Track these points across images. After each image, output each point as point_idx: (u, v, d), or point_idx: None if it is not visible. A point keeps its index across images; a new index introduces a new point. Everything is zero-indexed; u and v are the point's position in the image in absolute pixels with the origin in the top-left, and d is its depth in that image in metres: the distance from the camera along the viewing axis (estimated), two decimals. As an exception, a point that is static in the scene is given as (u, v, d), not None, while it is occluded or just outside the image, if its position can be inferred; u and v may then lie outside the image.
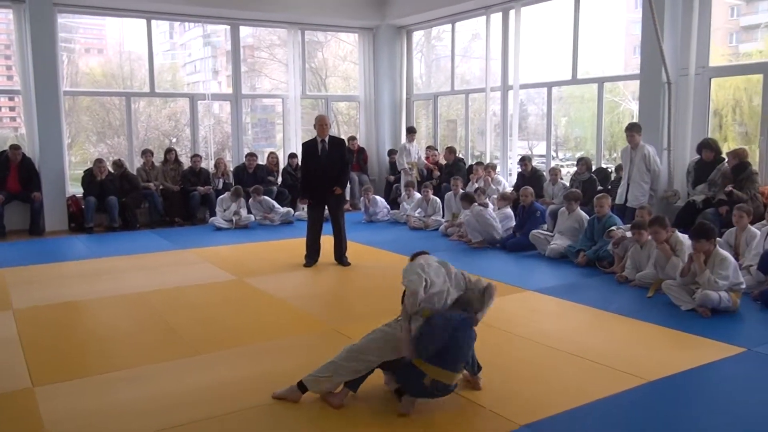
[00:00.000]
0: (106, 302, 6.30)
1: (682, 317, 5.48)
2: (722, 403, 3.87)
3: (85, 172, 10.96)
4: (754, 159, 8.15)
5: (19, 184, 10.49)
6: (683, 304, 5.68)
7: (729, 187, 7.50)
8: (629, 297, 6.25)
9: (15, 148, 10.50)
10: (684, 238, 6.30)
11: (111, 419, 3.71)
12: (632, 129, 8.28)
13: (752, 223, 6.82)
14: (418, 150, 12.38)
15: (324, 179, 7.56)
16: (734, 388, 4.11)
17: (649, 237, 6.49)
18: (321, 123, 7.55)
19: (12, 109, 13.64)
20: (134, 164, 11.82)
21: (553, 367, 4.37)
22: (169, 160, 11.70)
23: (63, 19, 11.58)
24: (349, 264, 7.76)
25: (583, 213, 8.17)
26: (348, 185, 9.64)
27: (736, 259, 6.04)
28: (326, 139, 7.57)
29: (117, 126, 13.44)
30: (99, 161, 10.88)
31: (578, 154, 11.17)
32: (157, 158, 11.84)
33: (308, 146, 7.67)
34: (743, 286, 5.66)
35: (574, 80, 10.57)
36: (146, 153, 11.63)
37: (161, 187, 11.45)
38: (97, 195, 10.65)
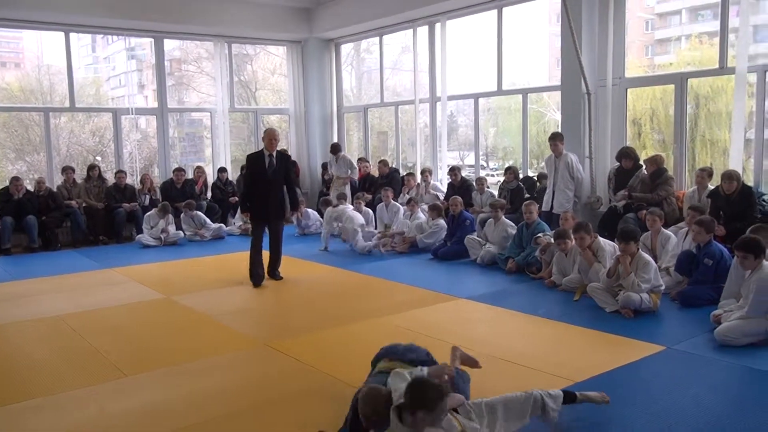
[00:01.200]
0: (24, 327, 5.99)
1: (606, 319, 5.66)
2: (645, 399, 4.00)
3: (0, 190, 10.44)
4: (670, 165, 8.54)
5: (-71, 204, 9.91)
6: (607, 306, 5.88)
7: (625, 194, 7.97)
8: (557, 301, 6.42)
9: None
10: (605, 243, 6.55)
11: (28, 450, 3.53)
12: (555, 138, 8.55)
13: (668, 225, 7.13)
14: (345, 165, 12.22)
15: (269, 194, 7.36)
16: (655, 385, 4.27)
17: (573, 244, 6.70)
18: (270, 137, 7.34)
19: None
20: (54, 181, 11.35)
21: (484, 372, 4.42)
22: (92, 177, 11.28)
23: (-26, 32, 11.09)
24: (281, 278, 7.63)
25: (508, 221, 8.38)
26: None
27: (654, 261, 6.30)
28: (274, 153, 7.39)
29: (37, 142, 12.92)
30: (15, 179, 10.39)
31: (507, 164, 11.43)
32: (82, 175, 11.41)
33: (254, 159, 7.45)
34: (662, 287, 5.90)
35: (500, 91, 10.83)
36: (67, 170, 11.18)
37: (84, 204, 11.03)
38: (14, 214, 10.15)
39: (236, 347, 5.30)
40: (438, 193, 10.87)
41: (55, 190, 10.95)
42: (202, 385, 4.43)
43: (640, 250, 5.92)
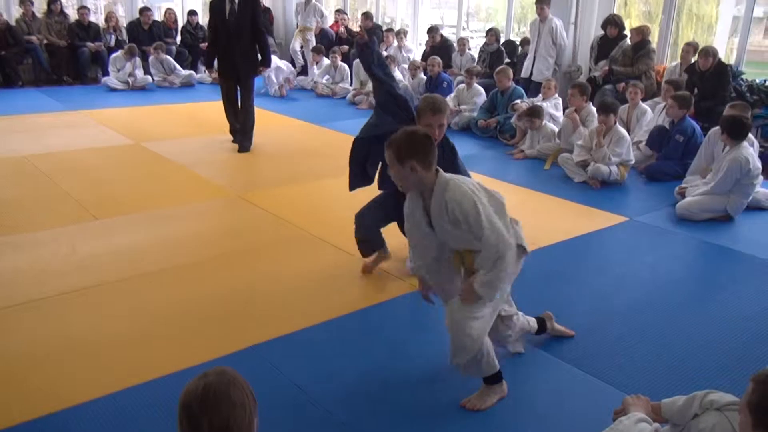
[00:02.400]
0: (-11, 165, 5.89)
1: (574, 188, 5.78)
2: (604, 264, 4.20)
3: (-46, 21, 9.81)
4: (654, 38, 8.37)
5: None
6: (576, 176, 5.98)
7: (604, 68, 7.85)
8: (526, 168, 6.49)
9: None
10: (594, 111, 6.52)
11: None
12: (542, 2, 8.23)
13: (644, 100, 7.11)
14: (318, 13, 11.64)
15: (233, 46, 6.49)
16: (617, 252, 4.47)
17: (543, 124, 6.72)
18: None
19: None
20: (12, 14, 10.67)
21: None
22: (54, 12, 10.61)
23: None
24: (247, 149, 6.80)
25: (480, 88, 8.25)
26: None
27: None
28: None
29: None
30: (-30, 9, 9.74)
31: (488, 26, 11.07)
32: (39, 9, 10.72)
33: (214, 5, 6.52)
34: (632, 161, 5.98)
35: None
36: (25, 2, 10.47)
37: (45, 41, 10.47)
38: (-30, 47, 9.63)
39: (208, 196, 5.31)
40: (409, 55, 10.55)
41: (12, 24, 10.31)
42: (173, 231, 4.47)
43: (617, 123, 5.93)
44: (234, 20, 6.45)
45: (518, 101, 7.44)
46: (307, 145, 7.27)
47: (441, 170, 2.54)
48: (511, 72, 7.84)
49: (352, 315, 3.39)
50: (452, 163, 3.39)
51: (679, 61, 7.83)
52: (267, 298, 3.54)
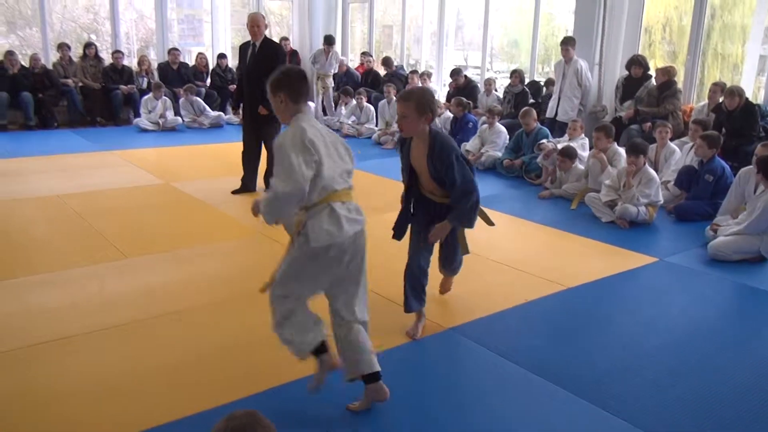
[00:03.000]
0: (24, 204, 6.02)
1: (601, 228, 5.72)
2: (634, 306, 4.12)
3: (-6, 65, 10.19)
4: (680, 78, 8.36)
5: None
6: (603, 216, 5.93)
7: (630, 109, 7.84)
8: (553, 208, 6.45)
9: None
10: (623, 151, 6.50)
11: (32, 323, 3.62)
12: (567, 43, 8.30)
13: (672, 140, 7.07)
14: (334, 60, 11.69)
15: (251, 90, 6.43)
16: (647, 293, 4.39)
17: (573, 165, 6.71)
18: (251, 23, 6.48)
19: None
20: (50, 58, 11.05)
21: (478, 273, 4.51)
22: (89, 56, 10.98)
23: None
24: (254, 190, 6.75)
25: (502, 127, 8.29)
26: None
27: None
28: (258, 42, 6.47)
29: (29, 16, 12.44)
30: (10, 53, 10.11)
31: (512, 67, 11.17)
32: (75, 54, 11.10)
33: (241, 49, 6.65)
34: (661, 201, 5.92)
35: (513, -11, 10.40)
36: (63, 47, 10.87)
37: (81, 84, 10.80)
38: (9, 90, 9.95)
39: (236, 235, 5.36)
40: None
41: (50, 67, 10.68)
42: (201, 270, 4.51)
43: (646, 163, 5.89)
44: (252, 64, 6.45)
45: (544, 141, 7.44)
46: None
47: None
48: (535, 113, 7.88)
49: (384, 354, 3.35)
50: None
51: (706, 100, 7.80)
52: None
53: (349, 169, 2.76)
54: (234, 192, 6.72)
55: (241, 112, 6.94)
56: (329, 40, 11.33)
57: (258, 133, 6.60)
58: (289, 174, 2.51)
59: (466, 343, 3.51)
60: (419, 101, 3.21)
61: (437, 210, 3.53)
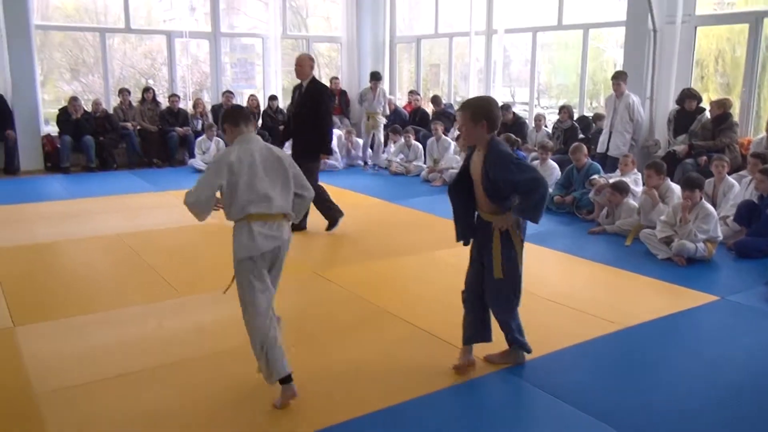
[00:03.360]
0: (84, 243, 6.24)
1: (658, 265, 5.57)
2: (696, 347, 3.97)
3: (60, 110, 10.69)
4: (735, 110, 8.18)
5: (-8, 122, 10.22)
6: (659, 253, 5.77)
7: (684, 144, 7.67)
8: (605, 245, 6.33)
9: (-14, 84, 10.19)
10: (675, 187, 6.37)
11: (92, 360, 3.72)
12: (618, 77, 8.25)
13: (729, 174, 6.89)
14: (382, 97, 11.57)
15: (296, 127, 6.60)
16: (709, 334, 4.24)
17: (625, 200, 6.59)
18: (297, 63, 6.55)
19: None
20: (110, 103, 11.54)
21: (531, 311, 4.43)
22: (147, 100, 11.44)
23: (32, -51, 11.07)
24: (304, 228, 6.70)
25: (554, 163, 8.23)
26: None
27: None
28: (304, 83, 6.54)
29: (91, 63, 13.04)
30: (74, 99, 10.61)
31: (560, 102, 11.12)
32: (134, 98, 11.58)
33: (293, 90, 6.84)
34: (720, 238, 5.75)
35: (560, 26, 10.42)
36: (123, 92, 11.36)
37: (139, 127, 11.23)
38: (72, 134, 10.43)
39: (287, 273, 5.39)
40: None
41: (110, 111, 11.16)
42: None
43: (703, 199, 5.75)
44: (299, 103, 6.57)
45: (596, 176, 7.35)
46: (383, 222, 7.37)
47: None
48: (585, 148, 7.80)
49: (434, 395, 3.32)
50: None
51: (764, 133, 7.59)
52: (344, 377, 3.53)
53: (269, 195, 3.12)
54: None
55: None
56: (375, 76, 11.39)
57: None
58: (196, 188, 3.14)
59: (520, 384, 3.44)
60: (474, 110, 3.30)
61: (485, 230, 3.46)
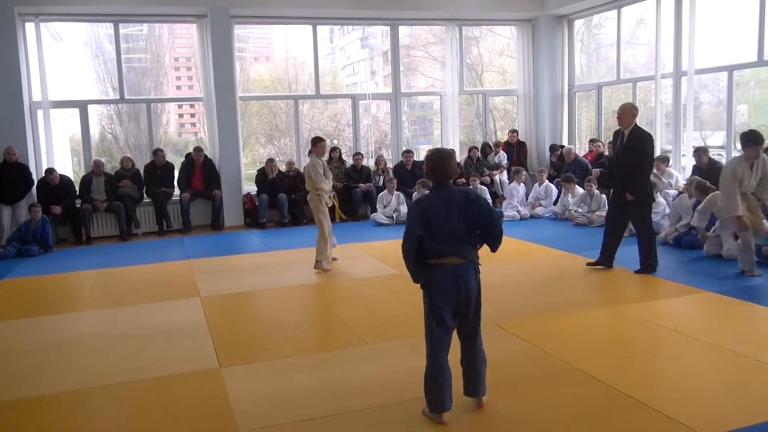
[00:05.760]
0: (280, 292, 6.71)
1: None
2: None
3: (258, 171, 11.77)
4: None
5: (203, 182, 11.48)
6: None
7: None
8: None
9: (198, 150, 11.50)
10: None
11: (289, 401, 3.94)
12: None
13: None
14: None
15: (619, 172, 6.92)
16: None
17: None
18: (619, 112, 6.84)
19: (192, 115, 14.98)
20: (301, 163, 12.47)
21: (740, 375, 4.00)
22: (334, 159, 12.21)
23: (237, 30, 12.48)
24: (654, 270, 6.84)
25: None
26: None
27: None
28: (627, 131, 6.75)
29: (283, 128, 14.28)
30: (271, 161, 11.63)
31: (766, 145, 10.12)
32: (322, 157, 12.42)
33: (614, 136, 7.13)
34: None
35: (761, 62, 9.59)
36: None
37: (326, 185, 11.99)
38: (268, 192, 11.39)
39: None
40: (670, 181, 10.06)
41: (302, 171, 12.03)
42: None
43: None
44: (621, 151, 6.83)
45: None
46: (565, 274, 7.11)
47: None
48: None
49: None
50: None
51: None
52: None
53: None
54: (589, 264, 7.18)
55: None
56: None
57: (625, 212, 6.94)
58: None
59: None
60: None
61: None
